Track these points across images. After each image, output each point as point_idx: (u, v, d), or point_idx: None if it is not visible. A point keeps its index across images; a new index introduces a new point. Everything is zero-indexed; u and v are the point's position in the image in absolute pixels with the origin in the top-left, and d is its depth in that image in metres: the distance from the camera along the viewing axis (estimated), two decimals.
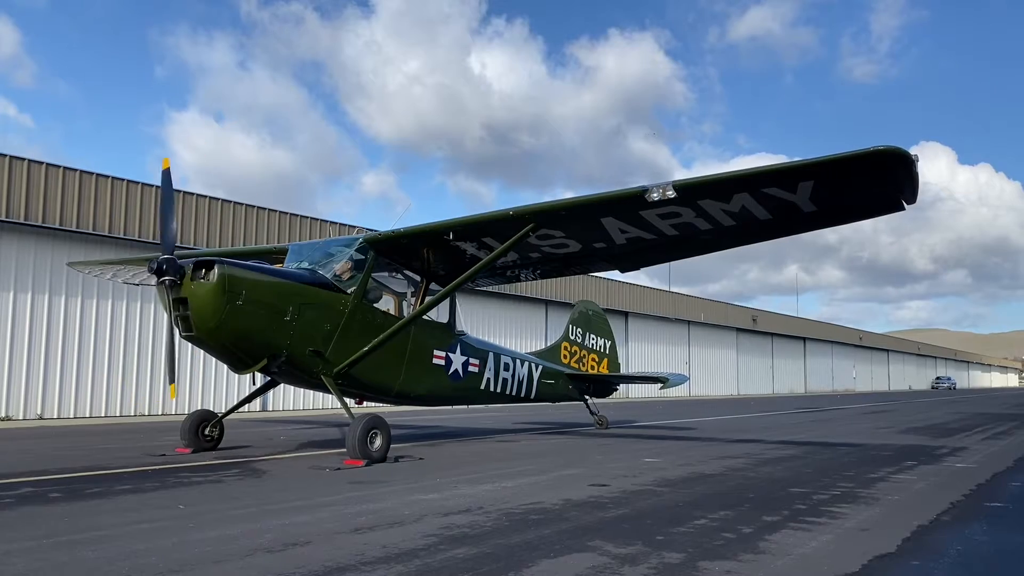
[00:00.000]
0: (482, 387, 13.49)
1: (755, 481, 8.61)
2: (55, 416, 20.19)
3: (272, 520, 5.98)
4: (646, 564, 4.67)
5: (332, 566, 4.54)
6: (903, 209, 9.03)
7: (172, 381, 10.15)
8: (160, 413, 22.25)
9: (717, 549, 5.09)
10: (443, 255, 11.83)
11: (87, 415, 20.81)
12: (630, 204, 9.66)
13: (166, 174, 10.44)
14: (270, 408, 25.29)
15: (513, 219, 10.43)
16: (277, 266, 11.70)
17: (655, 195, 9.20)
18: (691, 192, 9.15)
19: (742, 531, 5.71)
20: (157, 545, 5.07)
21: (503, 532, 5.58)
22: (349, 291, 10.99)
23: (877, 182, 8.55)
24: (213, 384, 23.65)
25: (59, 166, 20.29)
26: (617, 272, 12.67)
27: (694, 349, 52.10)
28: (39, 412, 19.97)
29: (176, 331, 9.93)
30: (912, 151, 7.90)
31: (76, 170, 20.63)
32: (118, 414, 21.44)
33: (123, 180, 21.64)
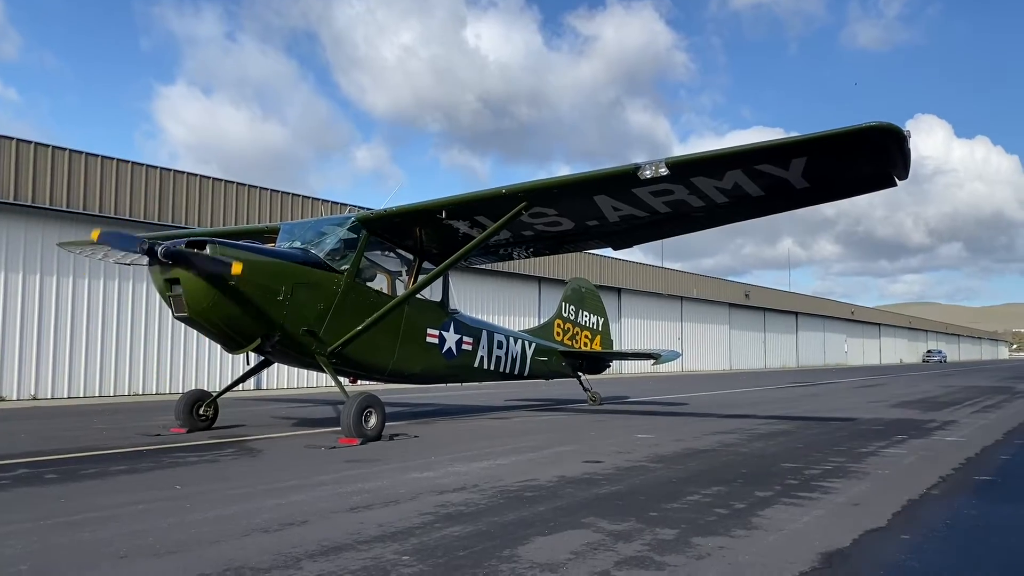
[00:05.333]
0: (475, 365, 13.52)
1: (747, 456, 8.68)
2: (49, 396, 20.18)
3: (268, 500, 6.01)
4: (640, 540, 4.72)
5: (329, 545, 4.58)
6: (895, 185, 9.05)
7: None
8: (154, 392, 22.26)
9: (710, 525, 5.14)
10: (436, 234, 11.81)
11: (81, 395, 20.80)
12: (623, 182, 9.65)
13: (103, 238, 9.57)
14: (264, 387, 25.31)
15: (506, 197, 10.42)
16: (269, 244, 11.68)
17: (647, 172, 9.19)
18: (683, 169, 9.14)
19: (735, 507, 5.77)
20: (154, 525, 5.10)
21: (498, 510, 5.62)
22: (342, 270, 10.97)
23: (869, 158, 8.56)
24: (207, 363, 23.64)
25: (48, 145, 20.10)
26: (610, 249, 12.68)
27: (687, 324, 52.26)
28: (33, 392, 19.96)
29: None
30: (905, 127, 7.91)
31: (65, 149, 20.45)
32: (112, 393, 21.43)
33: (113, 159, 21.47)
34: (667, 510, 5.63)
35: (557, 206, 10.60)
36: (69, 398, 20.38)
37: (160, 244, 9.35)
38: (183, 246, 9.57)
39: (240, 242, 10.48)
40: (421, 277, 12.04)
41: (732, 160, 8.91)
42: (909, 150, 8.15)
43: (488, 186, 10.70)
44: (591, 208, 10.51)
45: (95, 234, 9.61)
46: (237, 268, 9.21)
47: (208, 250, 9.53)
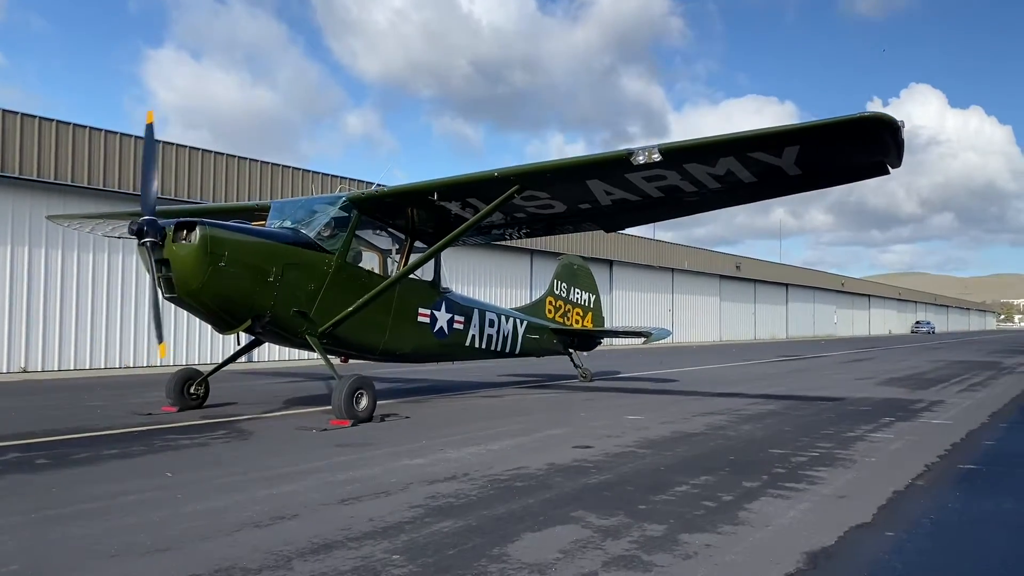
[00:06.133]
0: (467, 343, 13.54)
1: (735, 441, 8.76)
2: (39, 369, 20.14)
3: (259, 490, 6.04)
4: (628, 538, 4.78)
5: (319, 543, 4.61)
6: (888, 173, 9.05)
7: (160, 340, 10.10)
8: (145, 365, 22.24)
9: (697, 520, 5.20)
10: (428, 214, 11.77)
11: (71, 367, 20.76)
12: (615, 167, 9.63)
13: (149, 129, 10.27)
14: (255, 359, 25.30)
15: (498, 180, 10.37)
16: (258, 223, 11.64)
17: (640, 158, 9.16)
18: (676, 156, 9.12)
19: (722, 499, 5.83)
20: (146, 520, 5.12)
21: (488, 502, 5.67)
22: (333, 250, 10.94)
23: (863, 147, 8.55)
24: (198, 338, 23.61)
25: (35, 116, 19.85)
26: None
27: (678, 296, 52.38)
28: (23, 365, 19.92)
29: (159, 291, 9.90)
30: (898, 117, 7.89)
31: (52, 120, 20.19)
32: (103, 366, 21.40)
33: (101, 130, 21.22)
34: (655, 503, 5.69)
35: (549, 190, 10.56)
36: (59, 371, 20.36)
37: (152, 228, 9.31)
38: (172, 227, 9.53)
39: (230, 222, 10.42)
40: (412, 258, 12.02)
41: (725, 147, 8.88)
42: (903, 140, 8.15)
43: (482, 154, 10.66)
44: (584, 192, 10.48)
45: (150, 116, 10.27)
46: (162, 351, 10.31)
47: (198, 231, 9.50)
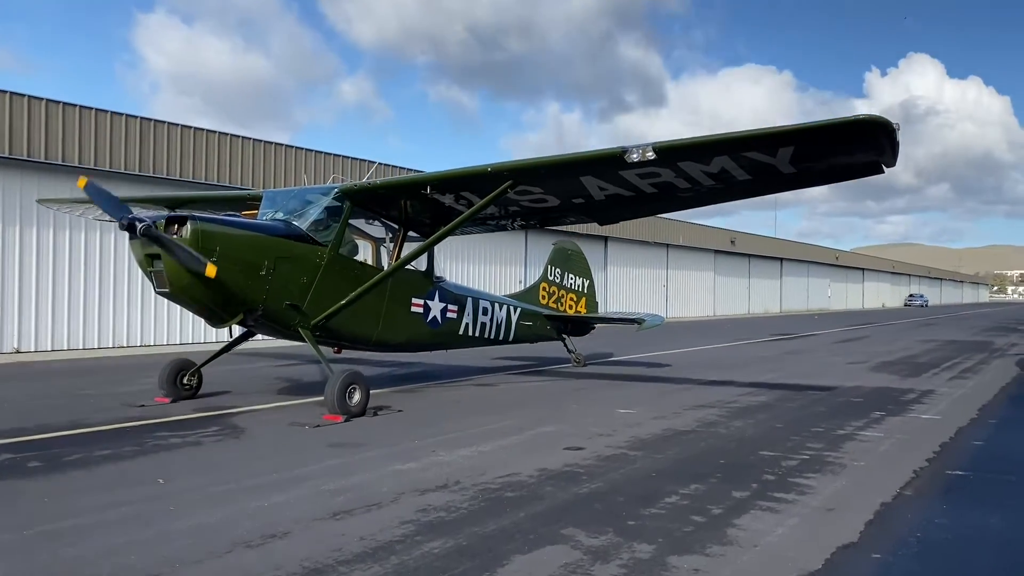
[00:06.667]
0: (460, 332, 13.54)
1: (726, 441, 8.81)
2: (32, 349, 20.10)
3: (251, 501, 6.06)
4: (617, 560, 4.81)
5: (310, 567, 4.63)
6: (882, 172, 9.03)
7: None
8: (139, 344, 22.21)
9: (686, 539, 5.23)
10: (422, 206, 11.72)
11: (64, 347, 20.72)
12: (609, 164, 9.58)
13: (88, 187, 9.68)
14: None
15: (492, 176, 10.31)
16: (250, 212, 11.57)
17: (634, 156, 9.11)
18: (670, 154, 9.07)
19: (711, 512, 5.88)
20: (136, 537, 5.14)
21: (478, 516, 5.70)
22: (325, 243, 10.89)
23: (858, 148, 8.53)
24: (192, 316, 23.53)
25: (24, 95, 19.63)
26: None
27: (672, 272, 52.40)
28: (15, 345, 19.87)
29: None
30: (893, 120, 7.84)
31: (42, 99, 19.97)
32: (96, 346, 21.36)
33: (91, 109, 20.98)
34: (645, 517, 5.73)
35: (543, 185, 10.51)
36: (52, 351, 20.32)
37: (141, 221, 9.23)
38: (164, 222, 9.47)
39: (221, 216, 10.36)
40: (406, 252, 11.96)
41: (719, 147, 8.84)
42: (898, 141, 8.11)
43: (478, 125, 10.54)
44: (578, 187, 10.44)
45: (81, 182, 9.65)
46: (211, 270, 9.18)
47: (189, 226, 9.44)
